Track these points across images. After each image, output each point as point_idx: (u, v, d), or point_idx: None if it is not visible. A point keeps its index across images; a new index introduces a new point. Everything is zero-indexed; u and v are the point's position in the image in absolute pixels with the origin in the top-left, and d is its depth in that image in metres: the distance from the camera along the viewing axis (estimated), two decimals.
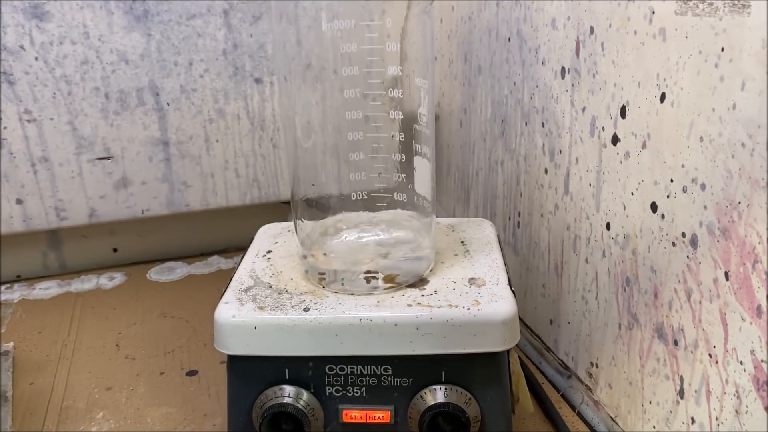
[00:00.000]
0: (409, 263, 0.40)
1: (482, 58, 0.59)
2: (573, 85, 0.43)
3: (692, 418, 0.35)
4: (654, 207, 0.36)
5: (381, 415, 0.38)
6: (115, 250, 0.73)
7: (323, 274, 0.40)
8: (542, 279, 0.52)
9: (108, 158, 0.66)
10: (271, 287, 0.40)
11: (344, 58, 0.36)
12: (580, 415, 0.46)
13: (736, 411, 0.31)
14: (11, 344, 0.57)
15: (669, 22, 0.33)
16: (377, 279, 0.39)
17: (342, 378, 0.38)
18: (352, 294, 0.38)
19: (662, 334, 0.36)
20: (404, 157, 0.39)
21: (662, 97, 0.34)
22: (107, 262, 0.73)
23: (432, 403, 0.37)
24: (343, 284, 0.39)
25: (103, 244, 0.73)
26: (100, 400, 0.49)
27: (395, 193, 0.40)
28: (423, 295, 0.38)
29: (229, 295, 0.39)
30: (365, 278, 0.39)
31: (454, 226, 0.48)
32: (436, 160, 0.41)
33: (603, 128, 0.40)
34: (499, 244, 0.45)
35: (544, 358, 0.52)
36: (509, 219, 0.57)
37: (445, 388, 0.37)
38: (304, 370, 0.38)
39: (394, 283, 0.39)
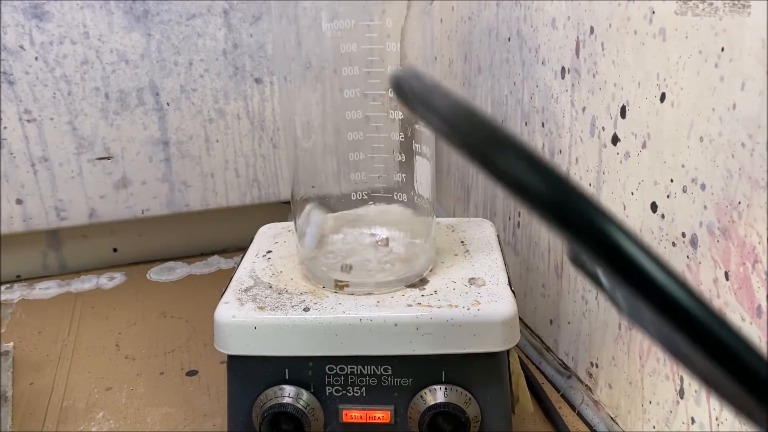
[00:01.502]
0: (409, 263, 0.40)
1: (482, 58, 0.59)
2: (573, 85, 0.43)
3: (692, 418, 0.35)
4: (654, 207, 0.36)
5: (381, 415, 0.38)
6: (115, 250, 0.73)
7: (323, 274, 0.40)
8: (542, 279, 0.52)
9: (108, 158, 0.66)
10: (271, 287, 0.40)
11: (344, 58, 0.36)
12: (580, 415, 0.46)
13: None
14: (11, 344, 0.57)
15: (669, 22, 0.33)
16: (377, 279, 0.39)
17: (342, 378, 0.38)
18: (352, 294, 0.38)
19: None
20: (404, 157, 0.39)
21: (662, 97, 0.34)
22: (107, 262, 0.73)
23: (432, 403, 0.37)
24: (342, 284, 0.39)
25: (103, 244, 0.73)
26: (100, 400, 0.49)
27: (395, 193, 0.40)
28: (423, 295, 0.38)
29: (229, 295, 0.39)
30: (365, 278, 0.39)
31: (454, 226, 0.48)
32: (436, 160, 0.41)
33: (603, 128, 0.40)
34: (499, 244, 0.45)
35: (544, 358, 0.52)
36: (509, 219, 0.57)
37: (445, 388, 0.37)
38: (304, 370, 0.38)
39: (394, 283, 0.39)
